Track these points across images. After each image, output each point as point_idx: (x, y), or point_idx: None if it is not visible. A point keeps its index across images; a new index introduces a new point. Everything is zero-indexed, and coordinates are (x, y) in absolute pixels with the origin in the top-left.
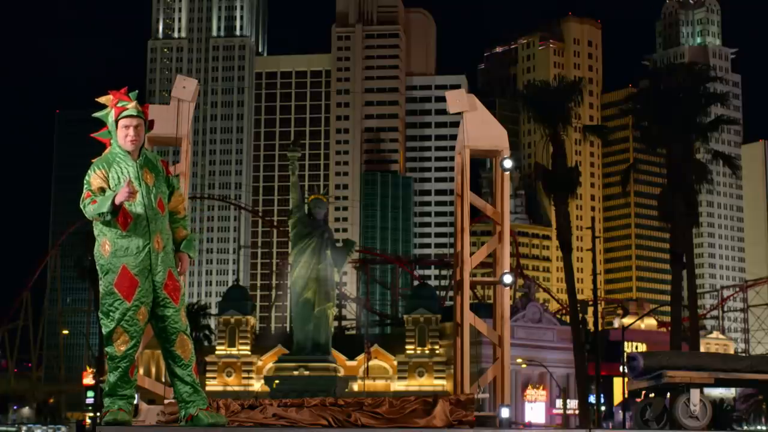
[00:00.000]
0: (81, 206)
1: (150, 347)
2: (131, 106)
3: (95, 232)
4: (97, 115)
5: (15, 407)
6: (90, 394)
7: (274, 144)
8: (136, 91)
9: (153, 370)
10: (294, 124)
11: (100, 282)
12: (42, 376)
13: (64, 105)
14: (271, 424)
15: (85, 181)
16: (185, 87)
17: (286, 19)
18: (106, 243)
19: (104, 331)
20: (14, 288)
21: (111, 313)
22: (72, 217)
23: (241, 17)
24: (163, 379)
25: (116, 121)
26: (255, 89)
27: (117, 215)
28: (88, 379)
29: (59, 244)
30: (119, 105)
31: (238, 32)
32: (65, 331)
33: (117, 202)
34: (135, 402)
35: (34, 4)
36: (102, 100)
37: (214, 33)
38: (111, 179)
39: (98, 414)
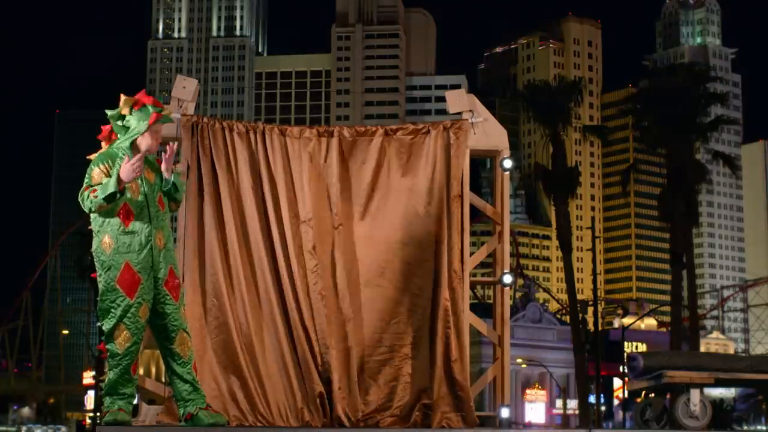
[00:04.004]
0: (80, 199)
1: (150, 347)
2: (167, 114)
3: (95, 229)
4: (125, 113)
5: (15, 407)
6: (90, 393)
7: None
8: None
9: (153, 370)
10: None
11: (99, 278)
12: (42, 376)
13: (64, 105)
14: (271, 424)
15: (86, 175)
16: (185, 87)
17: (286, 19)
18: (107, 239)
19: (105, 328)
20: (14, 288)
21: (112, 310)
22: (72, 217)
23: (241, 17)
24: (163, 379)
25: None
26: (255, 89)
27: (123, 195)
28: (88, 379)
29: (59, 244)
30: (156, 110)
31: (238, 32)
32: (65, 331)
33: (124, 177)
34: (135, 402)
35: (34, 4)
36: (129, 99)
37: (214, 33)
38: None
39: (98, 414)
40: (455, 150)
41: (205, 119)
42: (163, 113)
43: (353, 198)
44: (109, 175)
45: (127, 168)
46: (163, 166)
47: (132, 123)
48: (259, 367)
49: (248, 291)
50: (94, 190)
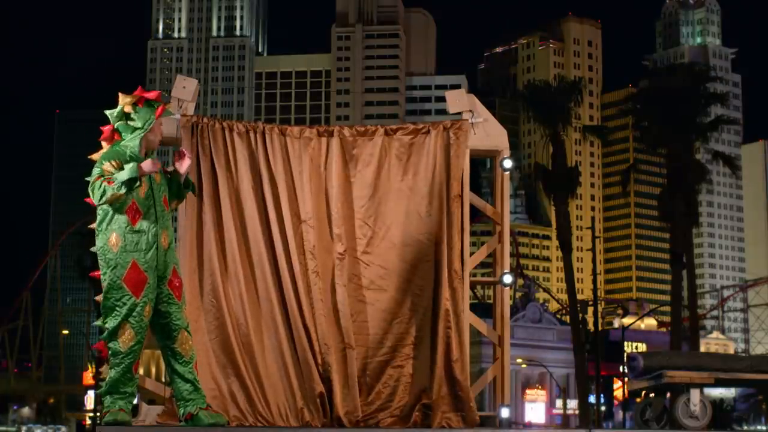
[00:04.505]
0: (90, 189)
1: (150, 347)
2: (169, 106)
3: (101, 227)
4: (129, 111)
5: (15, 407)
6: (90, 393)
7: None
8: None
9: (153, 370)
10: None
11: (104, 276)
12: (42, 376)
13: (64, 105)
14: (271, 424)
15: (96, 167)
16: (185, 87)
17: (286, 19)
18: (114, 237)
19: (108, 326)
20: (14, 288)
21: (117, 308)
22: (72, 217)
23: (241, 17)
24: (163, 379)
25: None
26: (255, 89)
27: (140, 186)
28: (88, 379)
29: (59, 244)
30: (159, 105)
31: (238, 32)
32: (65, 331)
33: (146, 169)
34: (135, 402)
35: (34, 4)
36: (131, 97)
37: (214, 33)
38: None
39: (98, 414)
40: (455, 150)
41: (205, 119)
42: (166, 106)
43: (354, 198)
44: (120, 170)
45: (149, 162)
46: (180, 169)
47: (140, 120)
48: (258, 367)
49: (248, 291)
50: (109, 178)
